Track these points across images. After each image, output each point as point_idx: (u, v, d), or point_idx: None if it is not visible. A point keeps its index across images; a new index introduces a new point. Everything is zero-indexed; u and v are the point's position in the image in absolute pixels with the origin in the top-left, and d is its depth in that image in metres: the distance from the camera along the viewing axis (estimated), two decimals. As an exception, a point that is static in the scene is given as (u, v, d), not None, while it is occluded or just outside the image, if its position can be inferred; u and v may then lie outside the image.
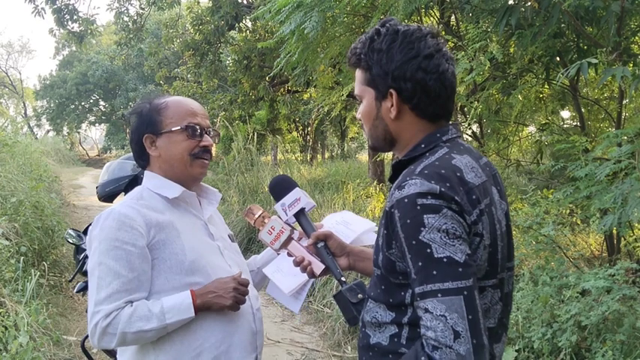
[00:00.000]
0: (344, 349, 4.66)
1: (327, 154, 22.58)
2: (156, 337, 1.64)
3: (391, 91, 1.35)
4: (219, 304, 1.66)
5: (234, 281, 1.70)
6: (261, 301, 1.91)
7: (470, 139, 5.52)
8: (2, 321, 3.80)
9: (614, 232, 3.96)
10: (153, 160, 1.83)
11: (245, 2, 13.04)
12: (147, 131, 1.80)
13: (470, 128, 5.32)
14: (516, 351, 3.31)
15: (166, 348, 1.66)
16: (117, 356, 1.80)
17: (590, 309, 3.08)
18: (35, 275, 4.74)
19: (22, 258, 5.11)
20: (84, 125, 38.74)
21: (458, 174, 1.25)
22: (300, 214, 1.74)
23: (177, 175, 1.81)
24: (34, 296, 4.58)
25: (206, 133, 1.83)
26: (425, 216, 1.18)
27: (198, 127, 1.80)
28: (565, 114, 5.89)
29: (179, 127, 1.78)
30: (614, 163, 3.13)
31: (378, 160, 9.30)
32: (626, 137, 3.37)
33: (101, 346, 1.60)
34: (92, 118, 37.31)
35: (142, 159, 1.86)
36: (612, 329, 3.08)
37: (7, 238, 5.33)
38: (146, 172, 1.85)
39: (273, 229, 1.74)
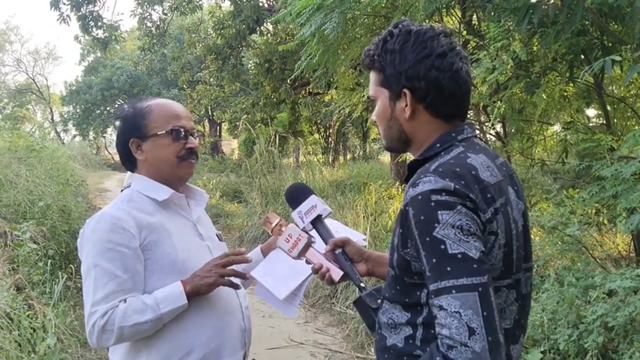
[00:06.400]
0: (367, 351, 4.64)
1: (348, 156, 22.52)
2: (153, 330, 1.65)
3: (405, 90, 1.34)
4: (205, 284, 1.68)
5: (214, 260, 1.73)
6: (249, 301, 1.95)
7: (493, 139, 5.46)
8: (31, 323, 3.87)
9: (642, 231, 3.89)
10: (140, 164, 1.86)
11: (266, 5, 13.13)
12: (132, 136, 1.83)
13: (493, 128, 5.26)
14: (542, 352, 3.27)
15: (158, 346, 1.69)
16: (109, 355, 1.81)
17: (617, 310, 3.03)
18: (62, 278, 4.83)
19: (50, 261, 5.21)
20: (109, 130, 39.11)
21: (473, 172, 1.24)
22: (316, 221, 1.73)
23: (164, 177, 1.83)
24: (61, 298, 4.67)
25: (190, 134, 1.85)
26: (439, 212, 1.17)
27: (182, 129, 1.82)
28: (590, 112, 5.77)
29: (164, 131, 1.80)
30: (640, 162, 3.08)
31: (400, 161, 9.23)
32: (652, 135, 3.30)
33: (100, 345, 1.63)
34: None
35: (129, 162, 1.89)
36: (640, 330, 3.02)
37: (35, 242, 5.44)
38: (134, 175, 1.88)
39: (291, 237, 1.73)
